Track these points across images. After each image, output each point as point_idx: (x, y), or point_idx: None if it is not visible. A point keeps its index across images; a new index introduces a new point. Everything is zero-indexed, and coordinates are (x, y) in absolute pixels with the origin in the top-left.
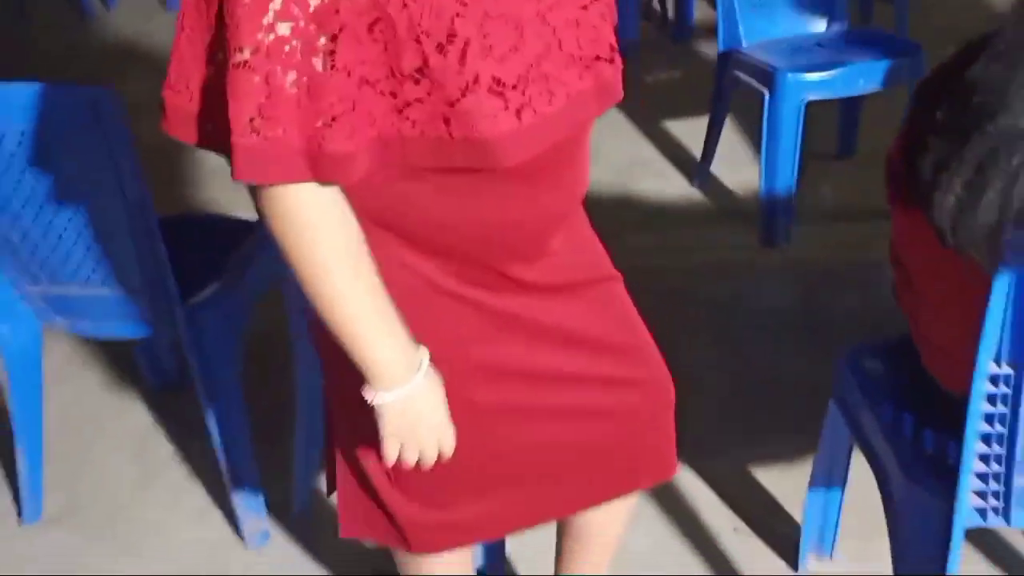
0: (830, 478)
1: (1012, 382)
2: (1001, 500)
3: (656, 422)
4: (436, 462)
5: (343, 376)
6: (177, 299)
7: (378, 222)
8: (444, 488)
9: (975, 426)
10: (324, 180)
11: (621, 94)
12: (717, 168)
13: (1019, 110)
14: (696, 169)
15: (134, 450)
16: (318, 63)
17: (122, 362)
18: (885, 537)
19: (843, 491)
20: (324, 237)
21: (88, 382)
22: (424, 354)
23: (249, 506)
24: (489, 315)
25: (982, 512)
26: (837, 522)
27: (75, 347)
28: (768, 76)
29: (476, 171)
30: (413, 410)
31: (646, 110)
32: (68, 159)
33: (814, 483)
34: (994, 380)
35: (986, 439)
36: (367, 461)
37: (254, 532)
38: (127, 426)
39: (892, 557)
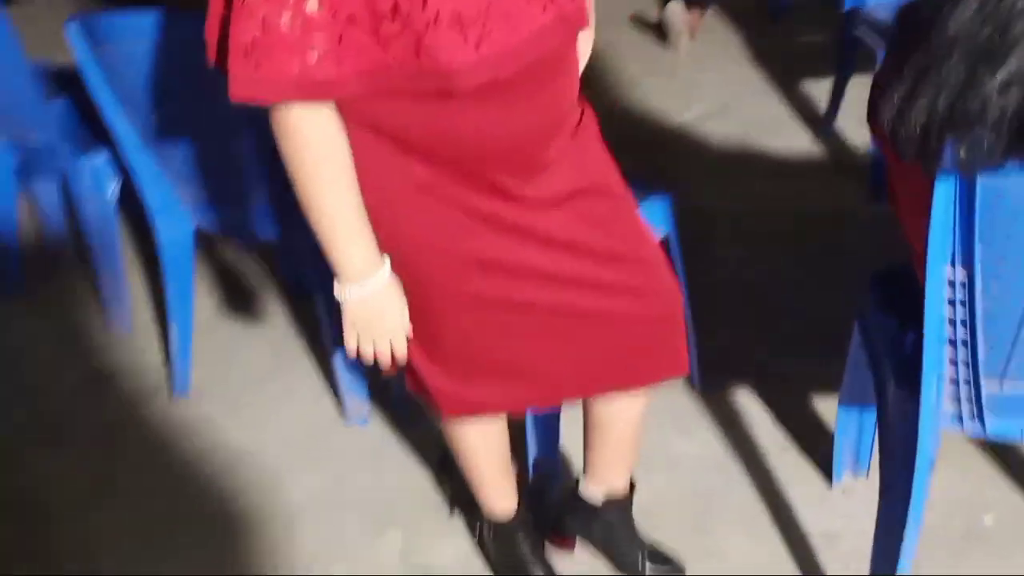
0: (861, 397)
1: (967, 284)
2: (974, 404)
3: (658, 327)
4: (392, 361)
5: None
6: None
7: (374, 129)
8: (461, 366)
9: (934, 329)
10: (314, 101)
11: (585, 22)
12: (842, 125)
13: (950, 25)
14: (821, 125)
15: (270, 345)
16: (312, 4)
17: (269, 275)
18: None
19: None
20: (314, 152)
21: (239, 288)
22: (386, 261)
23: (353, 392)
24: (480, 216)
25: (959, 417)
26: (873, 441)
27: (232, 262)
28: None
29: (450, 94)
30: (371, 308)
31: (783, 69)
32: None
33: (843, 401)
34: (952, 285)
35: (952, 344)
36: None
37: (355, 414)
38: (267, 324)
39: (880, 464)
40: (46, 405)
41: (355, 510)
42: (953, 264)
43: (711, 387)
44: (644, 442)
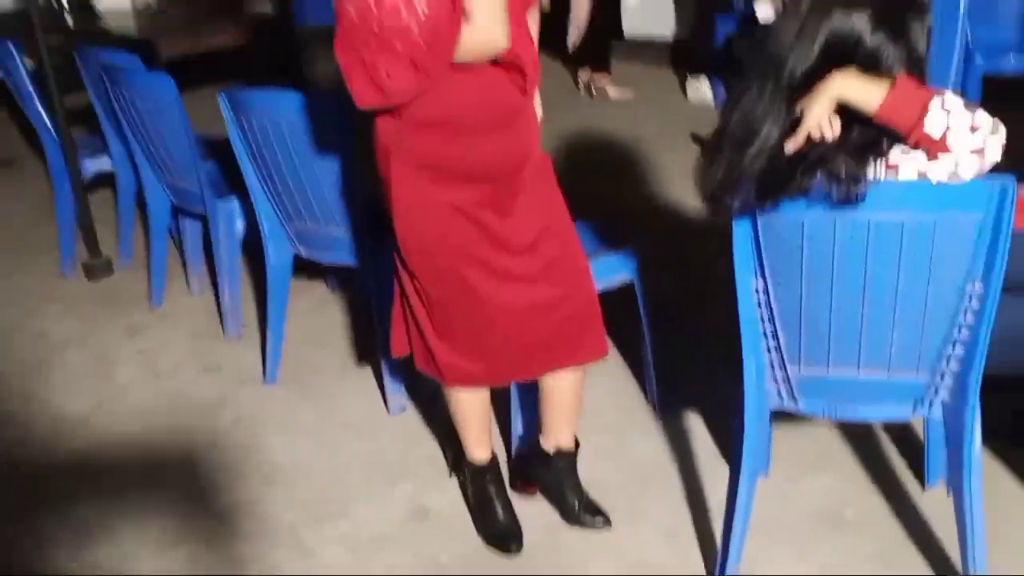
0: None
1: (769, 290)
2: (786, 385)
3: (579, 316)
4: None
5: (401, 264)
6: (369, 241)
7: (421, 167)
8: (461, 343)
9: (748, 326)
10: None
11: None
12: None
13: (727, 124)
14: None
15: (339, 349)
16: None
17: (344, 294)
18: None
19: None
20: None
21: (313, 298)
22: None
23: (393, 386)
24: (484, 229)
25: (780, 395)
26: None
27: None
28: None
29: (473, 131)
30: None
31: None
32: (320, 141)
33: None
34: (757, 292)
35: (765, 337)
36: (421, 318)
37: (395, 404)
38: (338, 333)
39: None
40: (171, 388)
41: (386, 469)
42: (756, 276)
43: (666, 406)
44: (609, 439)
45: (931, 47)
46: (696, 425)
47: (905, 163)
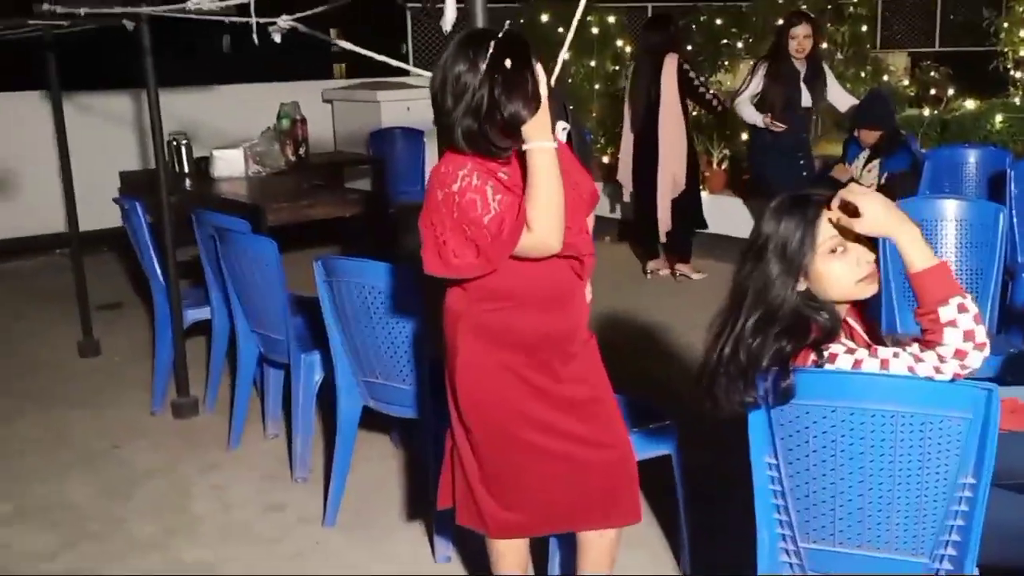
0: None
1: (780, 469)
2: (797, 558)
3: (617, 481)
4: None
5: (457, 419)
6: (430, 397)
7: (480, 330)
8: (510, 496)
9: (763, 499)
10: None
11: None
12: None
13: (715, 347)
14: None
15: (392, 495)
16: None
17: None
18: None
19: None
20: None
21: (377, 450)
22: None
23: (441, 536)
24: (534, 388)
25: (790, 565)
26: None
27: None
28: None
29: (524, 304)
30: None
31: None
32: (398, 306)
33: None
34: (769, 467)
35: (777, 510)
36: (471, 472)
37: (441, 554)
38: (394, 482)
39: None
40: (238, 521)
41: None
42: (769, 453)
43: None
44: None
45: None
46: None
47: (894, 362)
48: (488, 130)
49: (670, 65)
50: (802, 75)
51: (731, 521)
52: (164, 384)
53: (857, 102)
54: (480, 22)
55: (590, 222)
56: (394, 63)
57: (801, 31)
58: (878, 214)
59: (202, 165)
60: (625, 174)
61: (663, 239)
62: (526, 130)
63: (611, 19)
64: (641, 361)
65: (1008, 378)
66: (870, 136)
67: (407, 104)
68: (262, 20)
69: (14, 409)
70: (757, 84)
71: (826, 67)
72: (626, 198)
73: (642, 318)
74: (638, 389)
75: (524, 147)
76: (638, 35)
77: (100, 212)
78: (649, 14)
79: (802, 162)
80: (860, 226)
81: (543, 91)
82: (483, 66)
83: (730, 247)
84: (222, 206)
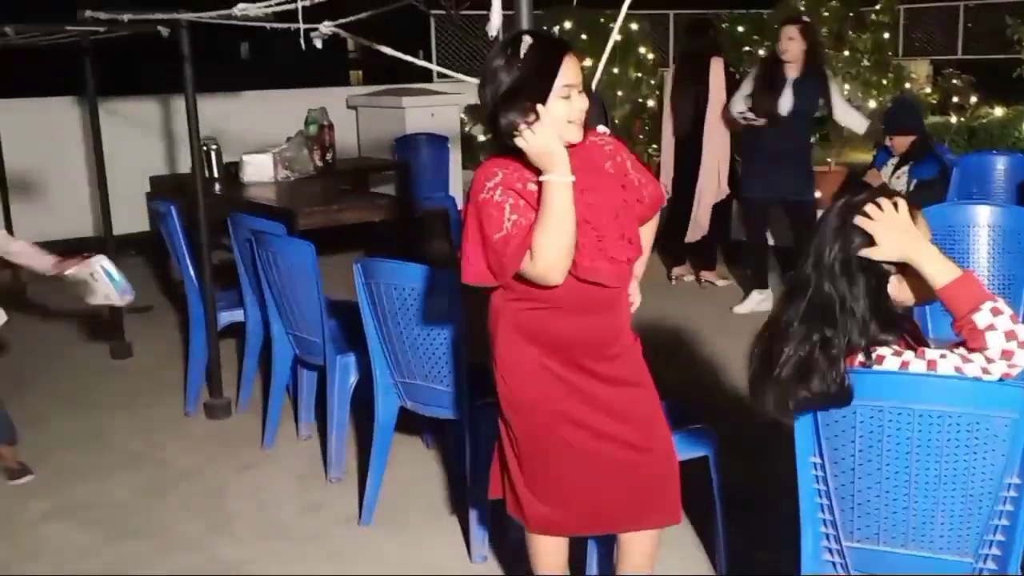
0: None
1: (826, 468)
2: (840, 557)
3: (658, 482)
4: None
5: (500, 414)
6: (468, 399)
7: (523, 335)
8: (546, 494)
9: (808, 499)
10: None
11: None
12: None
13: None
14: None
15: (430, 493)
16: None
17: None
18: None
19: None
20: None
21: (410, 451)
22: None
23: (478, 536)
24: (572, 387)
25: (833, 565)
26: None
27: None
28: None
29: (561, 307)
30: None
31: None
32: (435, 308)
33: None
34: (814, 467)
35: (822, 510)
36: (513, 468)
37: (477, 553)
38: (433, 480)
39: None
40: (274, 520)
41: None
42: (814, 453)
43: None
44: None
45: None
46: None
47: (942, 363)
48: (507, 118)
49: (717, 68)
50: (790, 80)
51: (767, 525)
52: (197, 386)
53: (864, 121)
54: (525, 26)
55: (652, 224)
56: (449, 73)
57: (785, 32)
58: (891, 242)
59: (231, 170)
60: (667, 175)
61: (690, 240)
62: (543, 160)
63: (634, 26)
64: (669, 367)
65: None
66: (902, 143)
67: (432, 110)
68: (307, 26)
69: (51, 410)
70: (749, 84)
71: (832, 80)
72: None
73: (668, 324)
74: (666, 395)
75: (541, 178)
76: (661, 42)
77: (128, 216)
78: (671, 22)
79: (780, 174)
80: (876, 253)
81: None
82: (514, 59)
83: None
84: (252, 210)
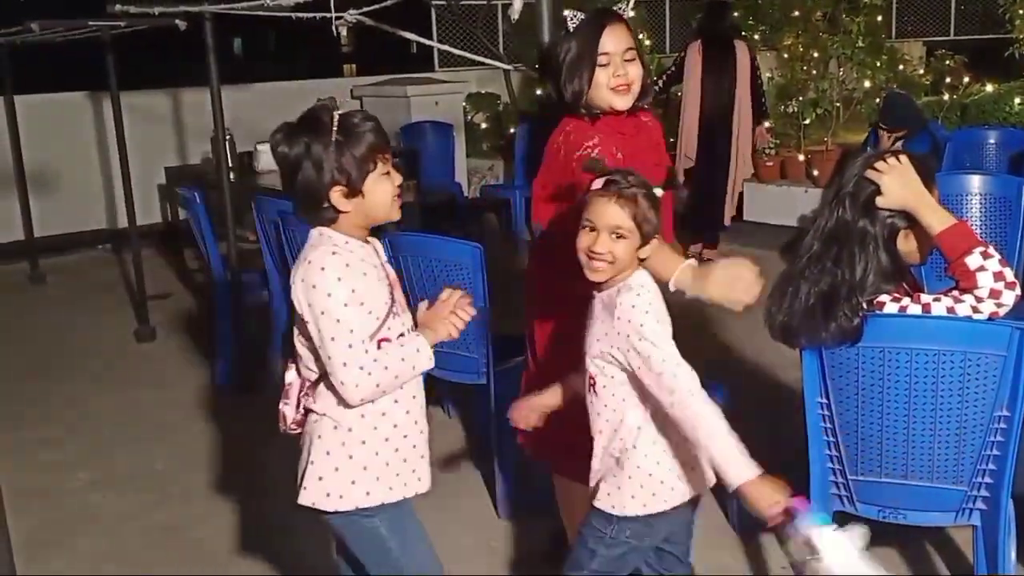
0: None
1: (831, 407)
2: (846, 490)
3: None
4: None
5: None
6: (492, 364)
7: (560, 298)
8: (574, 436)
9: (816, 437)
10: None
11: None
12: None
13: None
14: None
15: (456, 461)
16: None
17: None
18: None
19: None
20: None
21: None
22: None
23: (503, 495)
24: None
25: (841, 501)
26: None
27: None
28: None
29: None
30: None
31: None
32: (459, 278)
33: None
34: (821, 407)
35: (828, 447)
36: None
37: (503, 510)
38: (459, 449)
39: None
40: None
41: (488, 558)
42: (821, 393)
43: (746, 528)
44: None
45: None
46: (771, 543)
47: (935, 305)
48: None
49: (743, 50)
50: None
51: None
52: (226, 362)
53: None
54: (546, 12)
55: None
56: (488, 62)
57: None
58: (895, 189)
59: (244, 160)
60: (688, 156)
61: (727, 223)
62: None
63: (631, 13)
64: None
65: None
66: (888, 138)
67: (436, 99)
68: (333, 15)
69: (85, 390)
70: None
71: (740, 51)
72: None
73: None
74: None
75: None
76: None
77: (140, 209)
78: (667, 8)
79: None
80: (882, 201)
81: None
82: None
83: (754, 233)
84: (269, 196)
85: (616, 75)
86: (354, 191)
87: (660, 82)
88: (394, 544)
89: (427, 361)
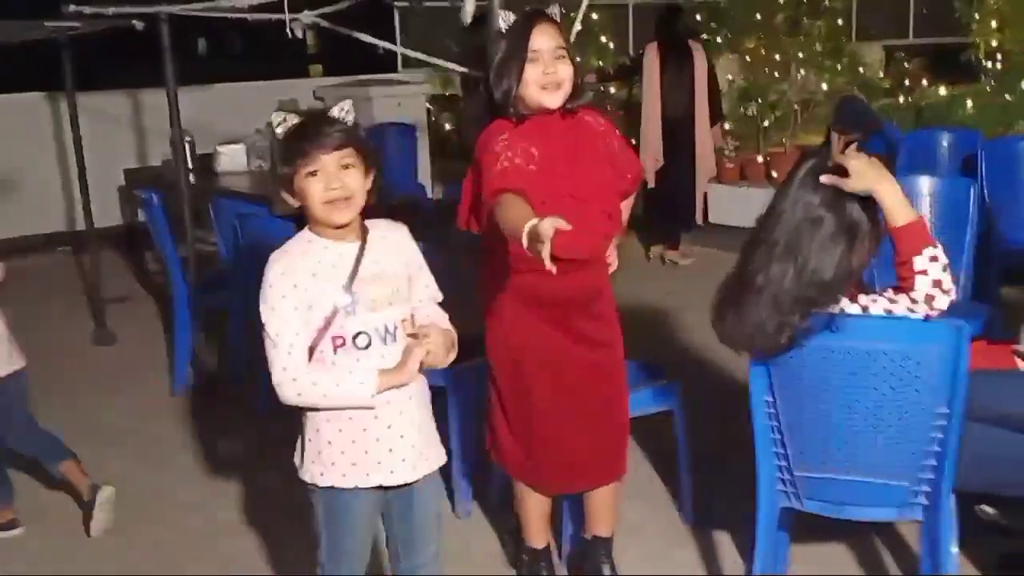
0: None
1: (777, 405)
2: (792, 487)
3: (619, 435)
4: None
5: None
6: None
7: (518, 295)
8: (528, 443)
9: (762, 435)
10: None
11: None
12: None
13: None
14: None
15: None
16: None
17: None
18: None
19: None
20: None
21: None
22: None
23: (462, 495)
24: (558, 341)
25: (786, 495)
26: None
27: None
28: None
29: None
30: None
31: None
32: None
33: None
34: (767, 404)
35: (775, 444)
36: (499, 418)
37: (462, 509)
38: None
39: None
40: (264, 480)
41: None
42: (767, 391)
43: (698, 523)
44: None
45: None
46: (723, 538)
47: (873, 307)
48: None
49: (699, 52)
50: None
51: (732, 480)
52: (184, 368)
53: None
54: (498, 13)
55: (630, 200)
56: (447, 64)
57: None
58: (862, 170)
59: (205, 161)
60: (653, 158)
61: (700, 222)
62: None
63: (595, 15)
64: (638, 337)
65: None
66: (841, 142)
67: (398, 100)
68: (290, 16)
69: (41, 393)
70: None
71: (696, 54)
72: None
73: (645, 301)
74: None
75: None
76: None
77: (99, 211)
78: (629, 12)
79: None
80: (848, 184)
81: None
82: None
83: (714, 233)
84: (227, 198)
85: (546, 72)
86: (290, 191)
87: (611, 70)
88: (324, 528)
89: (364, 399)
